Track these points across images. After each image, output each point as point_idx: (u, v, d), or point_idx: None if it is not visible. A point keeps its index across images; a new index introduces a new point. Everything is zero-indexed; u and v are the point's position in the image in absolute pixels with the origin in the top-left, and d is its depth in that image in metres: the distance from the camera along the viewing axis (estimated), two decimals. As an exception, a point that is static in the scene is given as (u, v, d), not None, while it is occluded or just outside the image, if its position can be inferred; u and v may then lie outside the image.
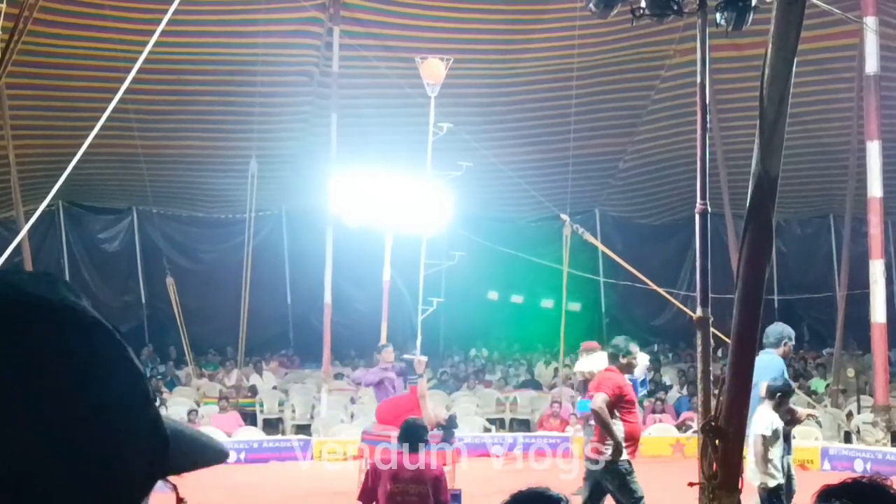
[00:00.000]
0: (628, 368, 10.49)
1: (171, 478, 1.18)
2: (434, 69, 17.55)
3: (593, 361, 13.11)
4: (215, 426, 20.31)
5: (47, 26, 20.45)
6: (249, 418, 22.41)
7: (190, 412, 20.89)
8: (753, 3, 9.39)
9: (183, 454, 1.15)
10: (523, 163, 25.65)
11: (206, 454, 1.19)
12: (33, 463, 0.98)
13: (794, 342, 10.47)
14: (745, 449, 8.72)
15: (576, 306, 29.28)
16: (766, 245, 7.51)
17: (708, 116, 9.24)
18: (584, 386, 16.17)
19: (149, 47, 12.59)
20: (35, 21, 18.85)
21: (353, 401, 23.27)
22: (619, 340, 10.76)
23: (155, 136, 24.13)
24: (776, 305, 29.08)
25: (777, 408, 10.19)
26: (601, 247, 21.10)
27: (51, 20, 20.40)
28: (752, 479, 9.87)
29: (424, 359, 16.24)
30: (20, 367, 1.01)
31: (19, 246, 21.24)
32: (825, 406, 21.87)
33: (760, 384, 9.94)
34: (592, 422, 10.98)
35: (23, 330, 1.03)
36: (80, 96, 22.07)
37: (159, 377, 24.89)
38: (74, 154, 18.42)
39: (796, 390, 22.42)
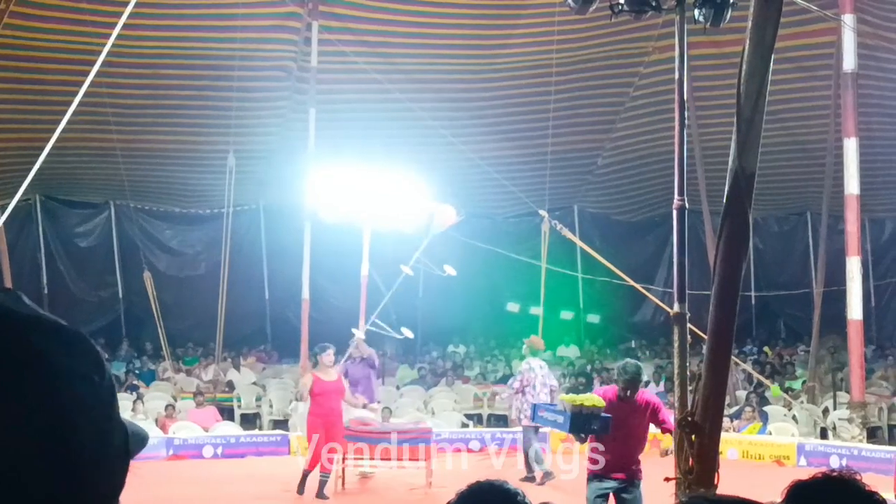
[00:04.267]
0: None
1: None
2: (447, 215, 17.93)
3: None
4: (192, 421, 20.28)
5: (23, 19, 20.38)
6: (227, 413, 22.39)
7: (167, 407, 20.85)
8: (731, 0, 9.42)
9: (134, 444, 1.22)
10: (501, 158, 25.66)
11: (141, 441, 1.26)
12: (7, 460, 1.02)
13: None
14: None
15: (567, 315, 29.41)
16: (742, 242, 7.54)
17: (686, 113, 9.26)
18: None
19: (114, 36, 12.52)
20: (10, 14, 18.81)
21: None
22: None
23: (132, 131, 24.03)
24: (753, 302, 29.21)
25: None
26: (579, 243, 21.15)
27: (27, 13, 20.31)
28: None
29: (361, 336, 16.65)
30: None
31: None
32: (801, 402, 21.97)
33: None
34: None
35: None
36: (56, 90, 21.97)
37: (136, 371, 24.84)
38: (50, 148, 18.31)
39: (777, 388, 22.58)
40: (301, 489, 15.21)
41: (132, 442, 1.20)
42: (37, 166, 13.86)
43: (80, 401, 1.10)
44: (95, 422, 1.11)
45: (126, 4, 14.87)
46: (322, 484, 15.06)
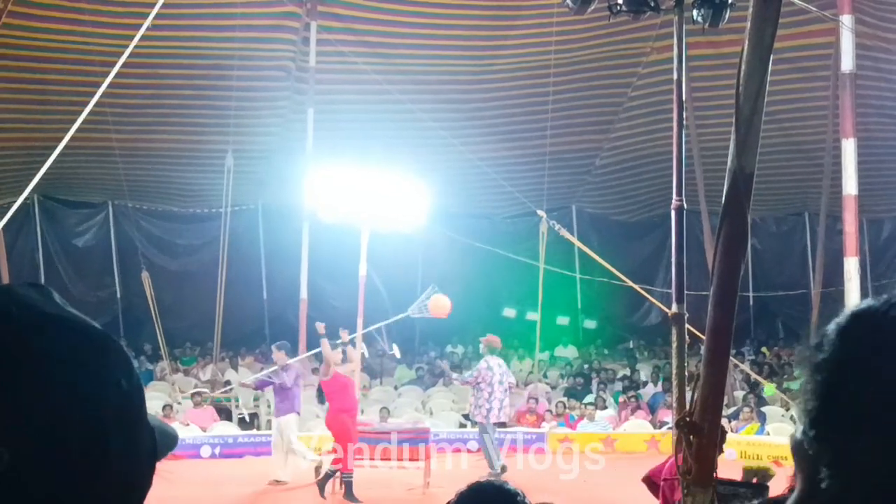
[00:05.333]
0: None
1: None
2: (441, 303, 18.17)
3: None
4: (191, 421, 20.29)
5: (24, 19, 20.37)
6: (224, 413, 22.37)
7: (165, 407, 20.84)
8: (729, 1, 9.42)
9: (163, 444, 1.22)
10: (500, 159, 25.66)
11: (171, 441, 1.26)
12: (27, 459, 1.02)
13: None
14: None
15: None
16: (741, 242, 7.53)
17: (684, 113, 9.27)
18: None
19: (134, 42, 12.55)
20: (10, 14, 18.81)
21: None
22: None
23: (131, 131, 24.02)
24: (751, 302, 29.22)
25: None
26: (577, 243, 21.14)
27: (27, 13, 20.31)
28: None
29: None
30: (17, 371, 1.05)
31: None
32: (799, 403, 21.96)
33: None
34: None
35: (29, 338, 1.08)
36: (57, 90, 21.98)
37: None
38: (50, 148, 18.28)
39: (772, 387, 22.60)
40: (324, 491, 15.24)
41: (161, 442, 1.19)
42: (44, 168, 13.86)
43: (108, 404, 1.10)
44: (124, 424, 1.11)
45: (125, 4, 14.92)
46: (349, 485, 15.08)
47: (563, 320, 29.12)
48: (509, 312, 29.36)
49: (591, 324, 30.28)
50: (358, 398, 16.75)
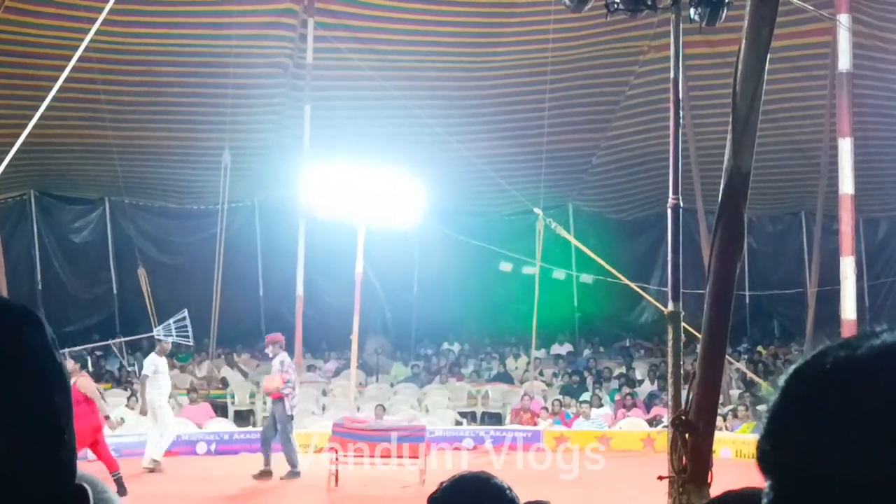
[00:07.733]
0: None
1: None
2: (274, 382, 17.32)
3: None
4: (186, 417, 20.29)
5: (15, 14, 20.36)
6: (220, 410, 22.37)
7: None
8: (727, 0, 9.43)
9: None
10: (497, 157, 25.64)
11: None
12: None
13: None
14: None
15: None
16: (737, 241, 7.54)
17: (681, 112, 9.28)
18: None
19: (95, 26, 12.54)
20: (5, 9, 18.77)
21: (324, 393, 23.30)
22: None
23: (127, 127, 24.00)
24: (747, 301, 29.21)
25: None
26: (574, 241, 21.14)
27: (19, 8, 20.29)
28: None
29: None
30: None
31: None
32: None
33: None
34: None
35: None
36: (49, 86, 21.90)
37: (131, 367, 24.81)
38: (41, 143, 18.31)
39: (769, 385, 22.59)
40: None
41: None
42: (7, 159, 13.81)
43: (56, 378, 1.09)
44: (64, 394, 1.10)
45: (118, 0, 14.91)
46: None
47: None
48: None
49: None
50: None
